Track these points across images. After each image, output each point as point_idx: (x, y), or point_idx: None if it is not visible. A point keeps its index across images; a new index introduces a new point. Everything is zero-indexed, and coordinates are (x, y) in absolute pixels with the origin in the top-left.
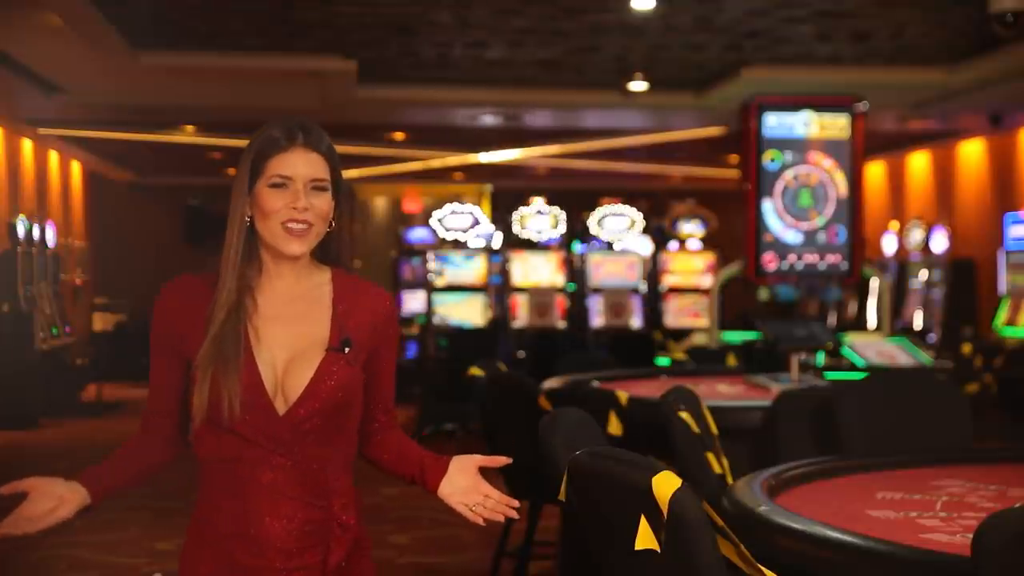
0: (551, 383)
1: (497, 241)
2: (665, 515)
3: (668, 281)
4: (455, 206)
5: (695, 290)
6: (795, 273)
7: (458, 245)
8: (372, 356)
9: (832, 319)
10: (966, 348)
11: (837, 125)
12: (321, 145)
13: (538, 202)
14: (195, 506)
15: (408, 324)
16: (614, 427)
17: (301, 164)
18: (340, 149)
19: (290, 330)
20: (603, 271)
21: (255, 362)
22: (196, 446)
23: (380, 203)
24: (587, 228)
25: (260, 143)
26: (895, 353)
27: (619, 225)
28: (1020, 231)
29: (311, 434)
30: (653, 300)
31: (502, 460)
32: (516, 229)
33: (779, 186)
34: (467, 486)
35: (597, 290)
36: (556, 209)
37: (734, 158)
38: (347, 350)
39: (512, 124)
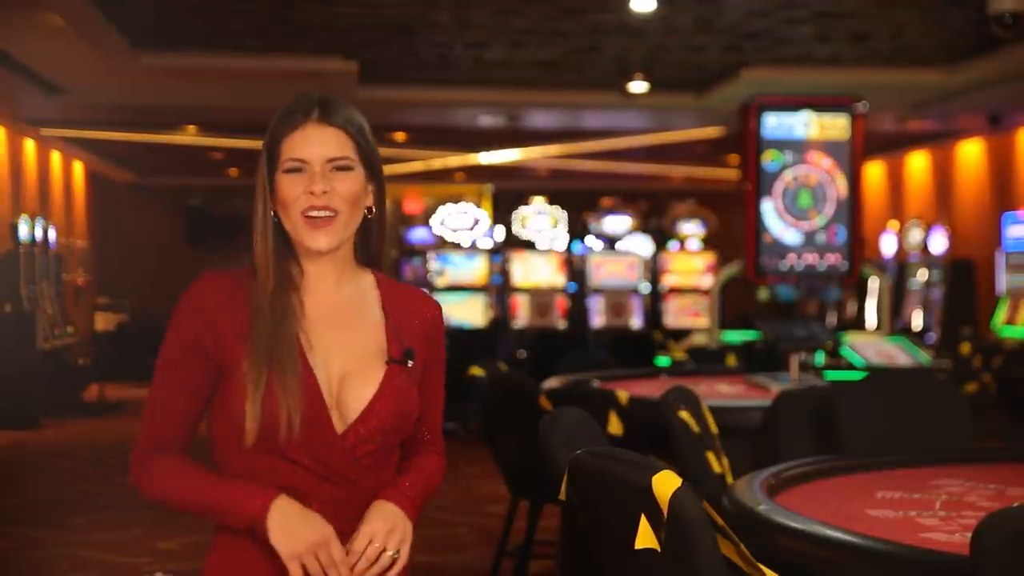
0: (551, 383)
1: (498, 241)
2: (665, 514)
3: (668, 281)
4: (456, 206)
5: (695, 290)
6: (795, 273)
7: (459, 245)
8: (423, 373)
9: (832, 319)
10: (965, 348)
11: (837, 125)
12: (339, 118)
13: (538, 202)
14: (216, 540)
15: None
16: (614, 427)
17: (316, 143)
18: None
19: (343, 338)
20: (603, 271)
21: (312, 371)
22: (221, 469)
23: None
24: (587, 228)
25: (274, 124)
26: (894, 353)
27: (619, 225)
28: (1019, 231)
29: (365, 459)
30: (653, 300)
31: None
32: (517, 229)
33: (779, 186)
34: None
35: (597, 290)
36: (556, 209)
37: (734, 158)
38: (410, 363)
39: (512, 125)
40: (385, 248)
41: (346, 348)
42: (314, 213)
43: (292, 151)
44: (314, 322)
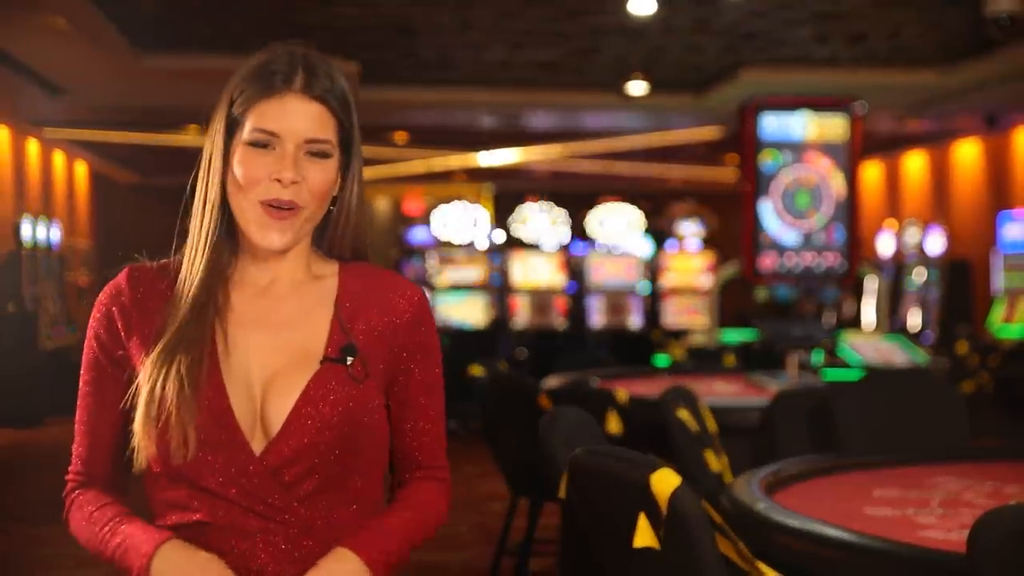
0: (551, 382)
1: (497, 241)
2: (664, 513)
3: (667, 281)
4: (456, 206)
5: (694, 290)
6: (793, 273)
7: (459, 245)
8: (397, 375)
9: (829, 319)
10: (962, 347)
11: (835, 126)
12: (325, 90)
13: (538, 203)
14: None
15: None
16: (613, 426)
17: (294, 117)
18: None
19: (275, 339)
20: (603, 271)
21: (221, 379)
22: (150, 504)
23: (381, 204)
24: (587, 228)
25: (244, 78)
26: (892, 352)
27: (619, 225)
28: (1015, 231)
29: (301, 486)
30: (652, 300)
31: None
32: (516, 229)
33: (777, 187)
34: None
35: (597, 290)
36: (556, 209)
37: (733, 159)
38: (350, 360)
39: (513, 125)
40: (364, 244)
41: (276, 349)
42: (275, 205)
43: (263, 121)
44: (242, 322)
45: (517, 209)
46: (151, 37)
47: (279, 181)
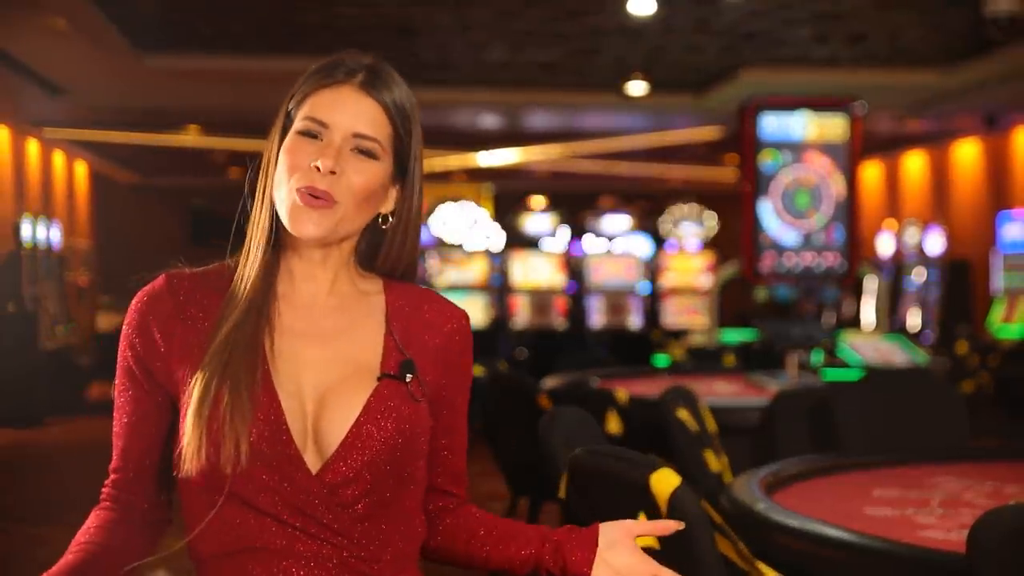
0: (551, 382)
1: (497, 241)
2: (664, 512)
3: (667, 281)
4: (456, 206)
5: (694, 290)
6: (793, 273)
7: (459, 246)
8: (441, 398)
9: (829, 319)
10: (962, 347)
11: (834, 126)
12: (384, 93)
13: (538, 203)
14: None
15: None
16: (613, 426)
17: (346, 109)
18: None
19: (326, 353)
20: (603, 271)
21: (275, 389)
22: (188, 531)
23: None
24: (587, 229)
25: (306, 77)
26: (891, 352)
27: (619, 225)
28: (1014, 231)
29: (358, 506)
30: (652, 300)
31: (671, 526)
32: (516, 229)
33: (777, 187)
34: (630, 565)
35: (597, 290)
36: (556, 209)
37: (733, 159)
38: (409, 377)
39: (512, 126)
40: (412, 265)
41: (328, 363)
42: (308, 192)
43: (315, 110)
44: (290, 330)
45: (517, 209)
46: (151, 37)
47: (317, 168)
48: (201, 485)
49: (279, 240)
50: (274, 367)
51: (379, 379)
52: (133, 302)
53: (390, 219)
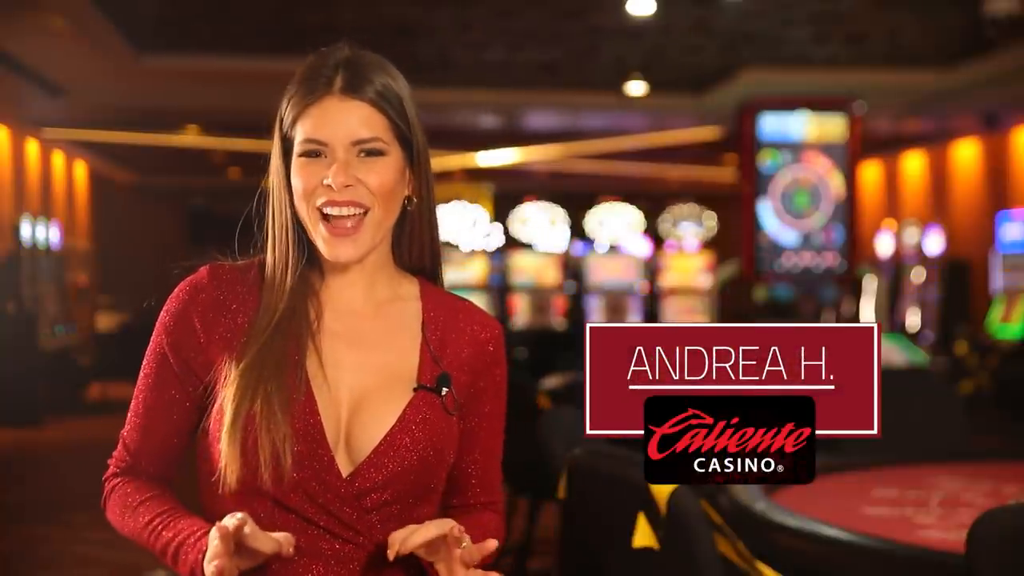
0: (550, 382)
1: (497, 241)
2: (663, 512)
3: (666, 281)
4: (455, 206)
5: (693, 290)
6: (792, 273)
7: (458, 245)
8: (472, 408)
9: (828, 318)
10: (961, 347)
11: (834, 126)
12: (368, 88)
13: (538, 203)
14: None
15: None
16: None
17: (337, 121)
18: None
19: (364, 358)
20: (602, 271)
21: (312, 393)
22: (208, 517)
23: None
24: (586, 228)
25: (288, 97)
26: (891, 352)
27: (618, 225)
28: (1013, 231)
29: (378, 512)
30: (651, 300)
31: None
32: (516, 229)
33: (776, 187)
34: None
35: (596, 290)
36: (555, 209)
37: (732, 159)
38: (445, 391)
39: (512, 126)
40: (439, 250)
41: (365, 370)
42: (333, 211)
43: (308, 131)
44: (330, 336)
45: (516, 209)
46: (151, 37)
47: (331, 187)
48: (237, 491)
49: (312, 253)
50: (312, 368)
51: (415, 390)
52: (175, 291)
53: (414, 200)
